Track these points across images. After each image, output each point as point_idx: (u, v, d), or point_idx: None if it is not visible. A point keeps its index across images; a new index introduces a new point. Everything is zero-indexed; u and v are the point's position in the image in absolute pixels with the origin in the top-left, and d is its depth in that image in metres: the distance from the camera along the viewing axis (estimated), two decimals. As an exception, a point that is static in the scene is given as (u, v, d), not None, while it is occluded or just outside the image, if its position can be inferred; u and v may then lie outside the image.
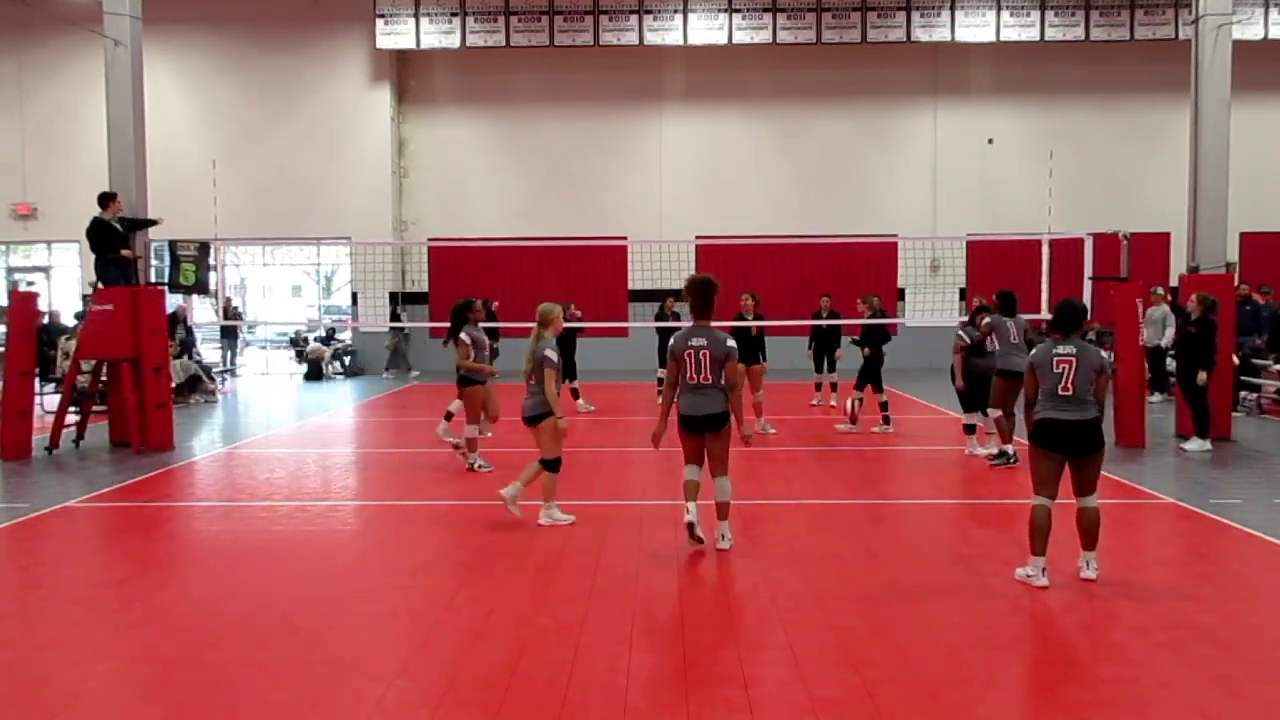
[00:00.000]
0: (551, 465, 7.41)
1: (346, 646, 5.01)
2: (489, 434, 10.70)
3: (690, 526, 6.62)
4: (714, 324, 6.78)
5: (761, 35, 21.01)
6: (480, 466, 9.68)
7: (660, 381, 15.21)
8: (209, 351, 21.32)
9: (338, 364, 21.92)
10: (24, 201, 22.11)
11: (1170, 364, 14.54)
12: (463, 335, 9.43)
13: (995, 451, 9.90)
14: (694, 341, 6.60)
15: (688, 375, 6.60)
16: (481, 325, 9.89)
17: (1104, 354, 6.26)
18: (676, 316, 14.93)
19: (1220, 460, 10.29)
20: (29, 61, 21.97)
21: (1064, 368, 5.99)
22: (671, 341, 6.72)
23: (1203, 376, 10.63)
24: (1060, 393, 5.97)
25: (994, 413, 9.77)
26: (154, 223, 12.23)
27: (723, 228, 21.75)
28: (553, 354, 7.28)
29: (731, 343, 6.64)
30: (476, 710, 4.23)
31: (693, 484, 6.80)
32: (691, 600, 5.68)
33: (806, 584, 5.99)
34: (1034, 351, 6.26)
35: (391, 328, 21.11)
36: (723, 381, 6.59)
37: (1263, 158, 20.99)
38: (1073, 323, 6.17)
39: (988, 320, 10.01)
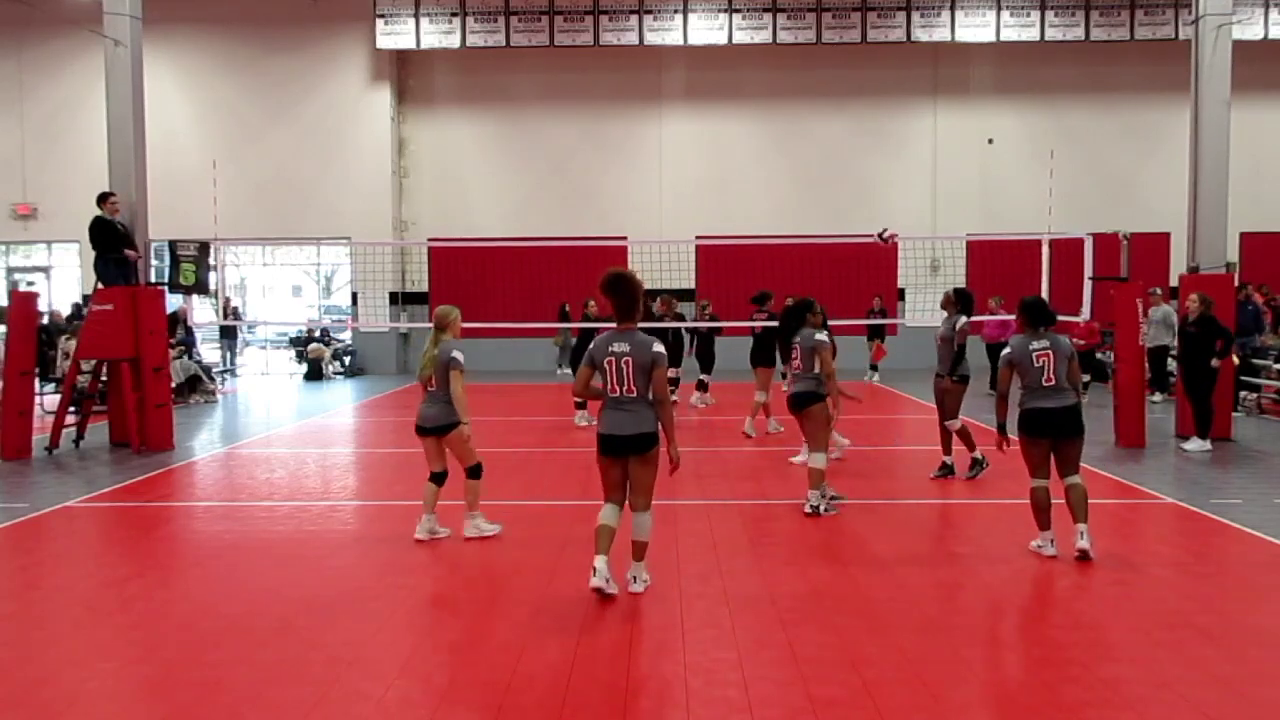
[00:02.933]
0: (476, 471, 7.04)
1: (346, 646, 5.01)
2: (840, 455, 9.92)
3: (598, 591, 5.58)
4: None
5: (761, 35, 21.02)
6: (828, 509, 7.79)
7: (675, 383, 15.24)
8: (209, 351, 21.32)
9: (338, 364, 21.93)
10: (24, 201, 22.13)
11: (1171, 364, 14.55)
12: (821, 337, 7.90)
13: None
14: (615, 347, 5.60)
15: (609, 387, 5.63)
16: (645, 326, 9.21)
17: (1067, 339, 6.65)
18: (680, 317, 14.91)
19: (1220, 460, 10.29)
20: (29, 61, 21.97)
21: (1044, 361, 6.42)
22: (591, 346, 5.79)
23: (1216, 362, 10.63)
24: (1045, 384, 6.40)
25: (954, 424, 9.13)
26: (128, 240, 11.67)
27: (723, 228, 21.76)
28: (459, 355, 6.84)
29: (659, 347, 5.62)
30: (476, 710, 4.22)
31: (607, 530, 5.68)
32: (691, 600, 5.68)
33: (806, 584, 5.99)
34: (1010, 349, 6.58)
35: (561, 327, 20.70)
36: (651, 395, 5.62)
37: (1263, 158, 21.01)
38: (1043, 317, 6.57)
39: (965, 322, 9.16)
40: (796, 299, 8.31)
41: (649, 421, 5.60)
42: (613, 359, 5.60)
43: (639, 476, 5.66)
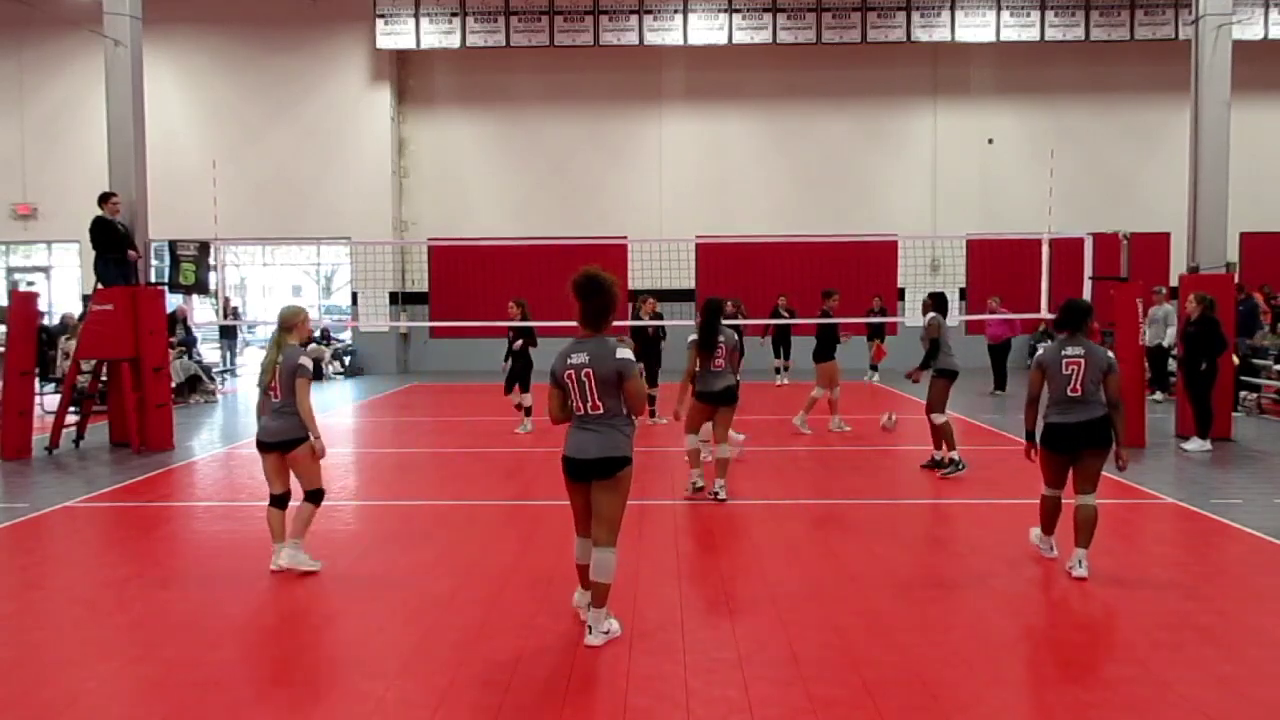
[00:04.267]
0: (317, 496, 6.29)
1: (346, 646, 5.01)
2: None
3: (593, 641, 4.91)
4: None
5: (761, 35, 21.02)
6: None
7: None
8: (209, 351, 21.32)
9: (337, 364, 21.93)
10: (24, 201, 22.13)
11: (1171, 364, 14.55)
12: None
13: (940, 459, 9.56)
14: (573, 358, 4.88)
15: (574, 405, 4.93)
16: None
17: (1107, 353, 6.28)
18: (659, 317, 14.57)
19: (1220, 460, 10.29)
20: (29, 61, 21.98)
21: (1073, 369, 6.08)
22: (555, 361, 5.03)
23: (1204, 366, 10.67)
24: (1069, 394, 6.08)
25: (939, 417, 9.32)
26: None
27: (723, 228, 21.76)
28: (307, 363, 6.11)
29: (623, 353, 4.90)
30: (476, 710, 4.22)
31: (587, 570, 5.04)
32: (690, 600, 5.68)
33: (806, 584, 5.99)
34: (1043, 351, 6.39)
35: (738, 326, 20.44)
36: (623, 409, 4.95)
37: (1263, 158, 21.00)
38: (1079, 321, 6.22)
39: (933, 317, 9.52)
40: (710, 299, 8.63)
41: (616, 443, 4.91)
42: (572, 372, 4.88)
43: (600, 504, 4.92)
